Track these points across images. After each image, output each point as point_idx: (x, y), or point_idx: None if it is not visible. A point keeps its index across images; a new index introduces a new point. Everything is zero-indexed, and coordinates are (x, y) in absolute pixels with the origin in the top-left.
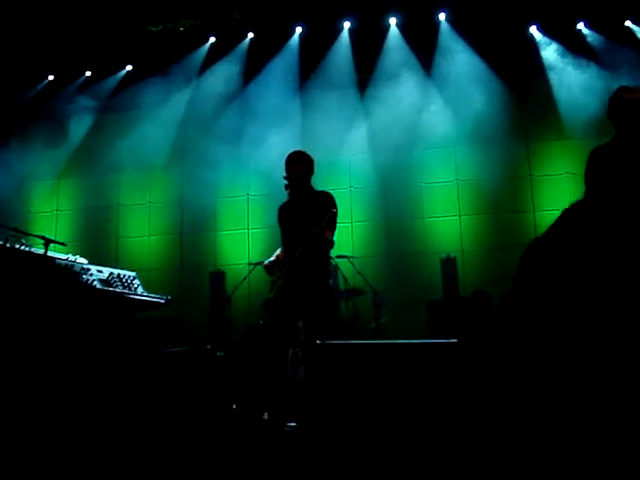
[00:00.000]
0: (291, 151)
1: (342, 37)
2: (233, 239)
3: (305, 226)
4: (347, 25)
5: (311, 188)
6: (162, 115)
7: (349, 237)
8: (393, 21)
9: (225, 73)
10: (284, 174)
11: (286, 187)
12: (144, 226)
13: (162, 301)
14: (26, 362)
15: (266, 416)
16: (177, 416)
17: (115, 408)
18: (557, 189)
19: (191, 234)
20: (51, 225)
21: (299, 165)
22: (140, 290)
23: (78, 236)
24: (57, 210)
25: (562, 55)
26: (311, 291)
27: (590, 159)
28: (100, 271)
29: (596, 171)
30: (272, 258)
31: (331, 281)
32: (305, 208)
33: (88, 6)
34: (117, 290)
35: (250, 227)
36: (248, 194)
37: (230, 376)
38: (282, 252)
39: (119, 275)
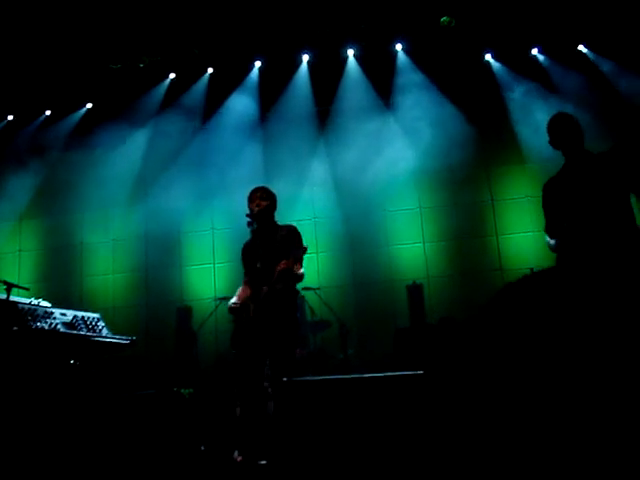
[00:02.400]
0: (253, 187)
1: (301, 70)
2: (199, 274)
3: (272, 262)
4: (306, 58)
5: (275, 223)
6: (124, 152)
7: (315, 268)
8: (351, 52)
9: (185, 108)
10: (247, 211)
11: (249, 224)
12: (108, 264)
13: (127, 342)
14: None
15: (236, 454)
16: (144, 460)
17: (76, 451)
18: (518, 213)
19: (156, 270)
20: (14, 265)
21: (262, 201)
22: (105, 332)
23: (42, 276)
24: (20, 250)
25: (518, 81)
26: (280, 327)
27: (543, 193)
28: (64, 314)
29: (549, 202)
30: (235, 299)
31: (299, 314)
32: (271, 244)
33: (47, 45)
34: (81, 333)
35: (216, 262)
36: (213, 228)
37: (198, 415)
38: (243, 290)
39: (83, 317)
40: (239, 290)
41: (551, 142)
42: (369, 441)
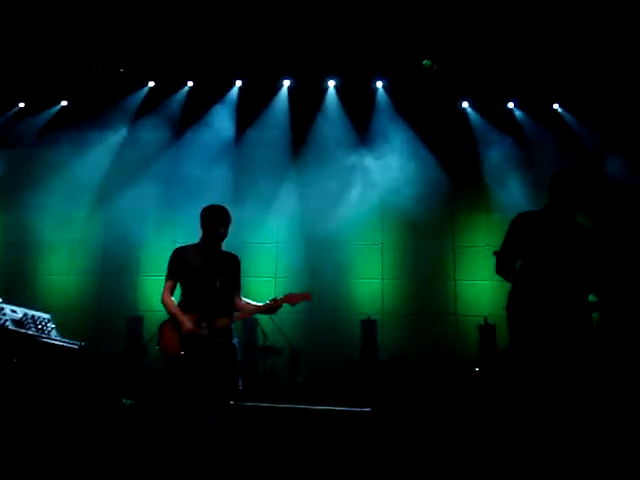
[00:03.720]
0: (216, 206)
1: (281, 95)
2: (155, 285)
3: (226, 288)
4: (287, 83)
5: (221, 246)
6: (94, 154)
7: (272, 292)
8: (332, 84)
9: (161, 119)
10: (219, 228)
11: (213, 241)
12: (64, 265)
13: (75, 347)
14: None
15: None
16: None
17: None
18: (478, 260)
19: (112, 276)
20: None
21: (224, 226)
22: (54, 334)
23: None
24: None
25: (492, 131)
26: (231, 351)
27: (514, 220)
28: (14, 311)
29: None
30: (190, 323)
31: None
32: (224, 268)
33: (28, 36)
34: (29, 332)
35: None
36: (174, 241)
37: (137, 426)
38: (169, 291)
39: (33, 317)
40: (177, 309)
41: (554, 193)
42: (311, 473)
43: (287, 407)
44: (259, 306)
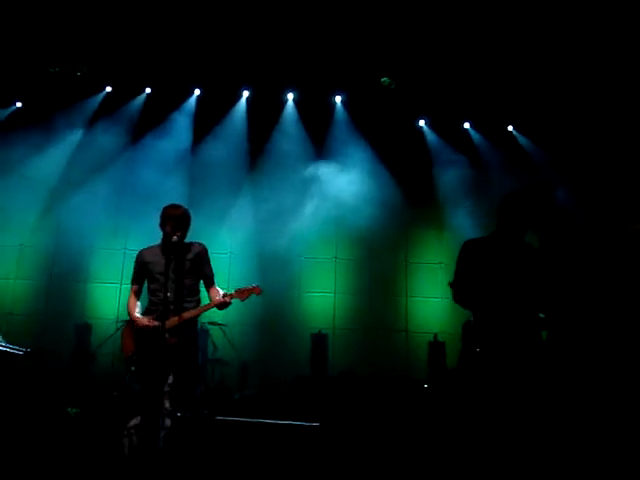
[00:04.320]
0: (174, 206)
1: (239, 105)
2: (104, 292)
3: (182, 283)
4: (246, 94)
5: (183, 241)
6: (46, 157)
7: None
8: (290, 96)
9: (117, 125)
10: (164, 228)
11: (167, 242)
12: (11, 268)
13: (20, 353)
14: None
15: None
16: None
17: None
18: (430, 277)
19: (60, 282)
20: None
21: (187, 223)
22: None
23: None
24: None
25: (447, 151)
26: (191, 355)
27: (463, 248)
28: None
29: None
30: (144, 319)
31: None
32: (181, 265)
33: None
34: None
35: (123, 282)
36: (125, 248)
37: (81, 434)
38: (135, 292)
39: None
40: (138, 309)
41: (501, 217)
42: None
43: (235, 420)
44: (209, 303)
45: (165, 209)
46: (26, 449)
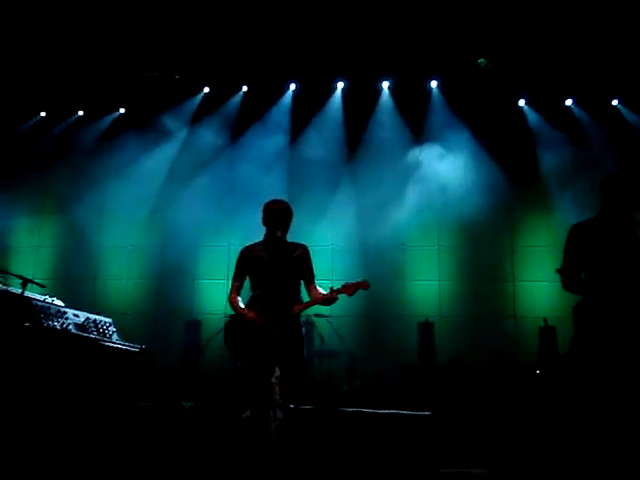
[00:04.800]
0: (278, 201)
1: (335, 97)
2: (211, 288)
3: (288, 282)
4: (341, 85)
5: (285, 239)
6: (151, 159)
7: None
8: (385, 85)
9: (216, 124)
10: (267, 223)
11: (271, 238)
12: (123, 269)
13: (136, 350)
14: None
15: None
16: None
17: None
18: (537, 261)
19: (170, 280)
20: (30, 261)
21: (289, 218)
22: (115, 337)
23: (57, 274)
24: (38, 246)
25: (550, 130)
26: (298, 349)
27: (570, 233)
28: (76, 315)
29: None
30: (250, 313)
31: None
32: (287, 264)
33: (86, 45)
34: (91, 336)
35: (230, 278)
36: (229, 244)
37: (197, 428)
38: (236, 289)
39: (95, 321)
40: (241, 302)
41: (606, 195)
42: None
43: (346, 411)
44: (317, 298)
45: (267, 205)
46: (149, 442)
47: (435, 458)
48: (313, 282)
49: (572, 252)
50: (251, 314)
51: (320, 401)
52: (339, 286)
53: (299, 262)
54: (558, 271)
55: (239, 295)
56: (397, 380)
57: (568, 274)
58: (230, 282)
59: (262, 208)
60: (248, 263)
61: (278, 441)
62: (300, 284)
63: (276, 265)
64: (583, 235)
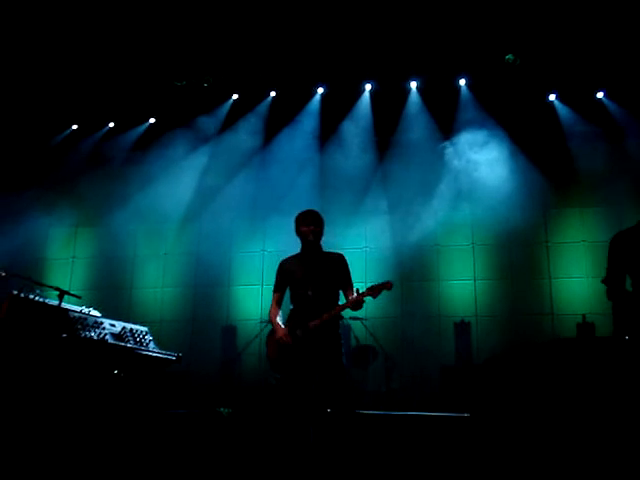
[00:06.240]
0: (306, 210)
1: (363, 99)
2: (246, 294)
3: (323, 289)
4: (368, 87)
5: (321, 248)
6: (182, 168)
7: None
8: (414, 85)
9: (246, 130)
10: (299, 233)
11: (307, 246)
12: (158, 278)
13: (173, 358)
14: None
15: None
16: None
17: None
18: (573, 257)
19: (204, 287)
20: (67, 272)
21: (315, 227)
22: (152, 346)
23: (93, 284)
24: (74, 257)
25: (582, 124)
26: (334, 354)
27: (612, 242)
28: (113, 325)
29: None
30: (283, 330)
31: (343, 341)
32: (321, 271)
33: (114, 58)
34: (128, 345)
35: (264, 283)
36: (263, 250)
37: (235, 435)
38: (277, 302)
39: (131, 330)
40: (279, 319)
41: None
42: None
43: (383, 414)
44: (345, 303)
45: (297, 216)
46: (189, 449)
47: (474, 460)
48: (350, 289)
49: (615, 261)
50: (280, 332)
51: (358, 405)
52: (364, 289)
53: (334, 270)
54: (603, 281)
55: (279, 307)
56: (436, 381)
57: (612, 284)
58: (271, 287)
59: (298, 217)
60: (285, 275)
61: (317, 445)
62: (338, 293)
63: (310, 275)
64: (625, 244)
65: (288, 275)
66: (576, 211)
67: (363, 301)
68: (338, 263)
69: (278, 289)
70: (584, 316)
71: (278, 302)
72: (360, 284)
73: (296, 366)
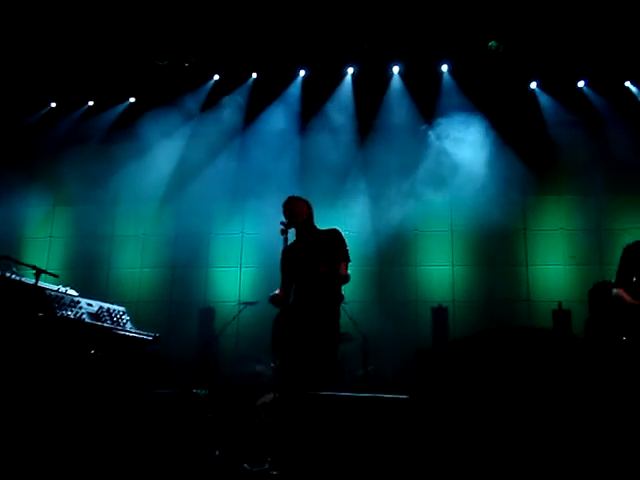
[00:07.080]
0: (284, 201)
1: (345, 83)
2: (224, 276)
3: (315, 267)
4: (351, 71)
5: (315, 227)
6: (162, 149)
7: None
8: (396, 69)
9: (226, 112)
10: (281, 219)
11: (282, 232)
12: (137, 258)
13: (150, 338)
14: None
15: (247, 466)
16: (157, 461)
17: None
18: (551, 244)
19: (183, 268)
20: (44, 251)
21: (294, 209)
22: (129, 326)
23: (70, 263)
24: (51, 236)
25: (561, 112)
26: (324, 333)
27: (623, 253)
28: (90, 304)
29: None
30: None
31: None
32: (312, 249)
33: (95, 35)
34: (105, 325)
35: (242, 265)
36: (242, 232)
37: (214, 419)
38: (281, 290)
39: (109, 309)
40: (277, 290)
41: None
42: (382, 464)
43: (363, 396)
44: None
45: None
46: (166, 430)
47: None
48: (342, 260)
49: (624, 271)
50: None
51: (335, 386)
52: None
53: (324, 246)
54: (612, 286)
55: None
56: (411, 365)
57: (620, 288)
58: (249, 269)
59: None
60: (284, 267)
61: (294, 427)
62: (338, 267)
63: (301, 256)
64: (635, 254)
65: (284, 262)
66: (554, 199)
67: (328, 271)
68: (329, 238)
69: (282, 283)
70: (560, 303)
71: (285, 290)
72: None
73: (284, 349)
